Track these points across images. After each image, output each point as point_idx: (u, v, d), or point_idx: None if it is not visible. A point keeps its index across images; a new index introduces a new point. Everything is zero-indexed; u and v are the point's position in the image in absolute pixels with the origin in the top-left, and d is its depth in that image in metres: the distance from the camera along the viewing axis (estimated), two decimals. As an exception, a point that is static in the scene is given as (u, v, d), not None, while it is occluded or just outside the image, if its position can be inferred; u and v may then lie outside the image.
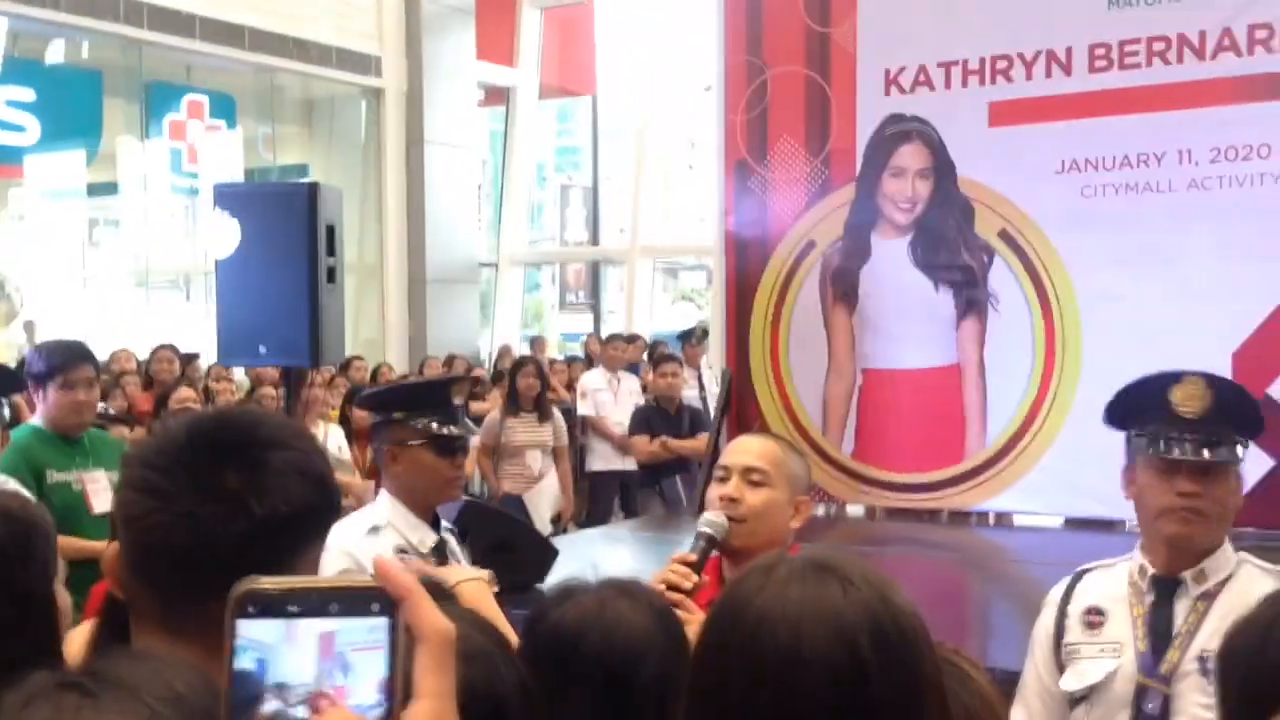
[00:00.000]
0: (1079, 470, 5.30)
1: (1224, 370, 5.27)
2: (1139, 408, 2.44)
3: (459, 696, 1.23)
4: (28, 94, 10.93)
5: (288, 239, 5.24)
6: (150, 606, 1.27)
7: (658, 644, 1.55)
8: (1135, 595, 2.38)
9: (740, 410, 6.44)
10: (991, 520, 6.10)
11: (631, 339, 10.27)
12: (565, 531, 7.22)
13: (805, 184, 6.37)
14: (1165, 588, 2.36)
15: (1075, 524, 5.50)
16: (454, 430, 2.94)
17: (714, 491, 2.42)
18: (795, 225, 6.37)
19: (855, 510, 6.32)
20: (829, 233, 6.29)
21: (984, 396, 5.93)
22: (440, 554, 2.90)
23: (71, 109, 11.35)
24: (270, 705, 0.70)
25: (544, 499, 7.52)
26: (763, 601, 1.18)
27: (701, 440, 7.37)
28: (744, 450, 2.46)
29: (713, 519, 2.35)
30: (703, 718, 1.19)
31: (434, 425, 2.87)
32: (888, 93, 6.17)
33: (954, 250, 6.00)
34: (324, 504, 1.28)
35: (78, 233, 12.60)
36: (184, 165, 12.19)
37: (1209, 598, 2.33)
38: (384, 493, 2.93)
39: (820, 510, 6.22)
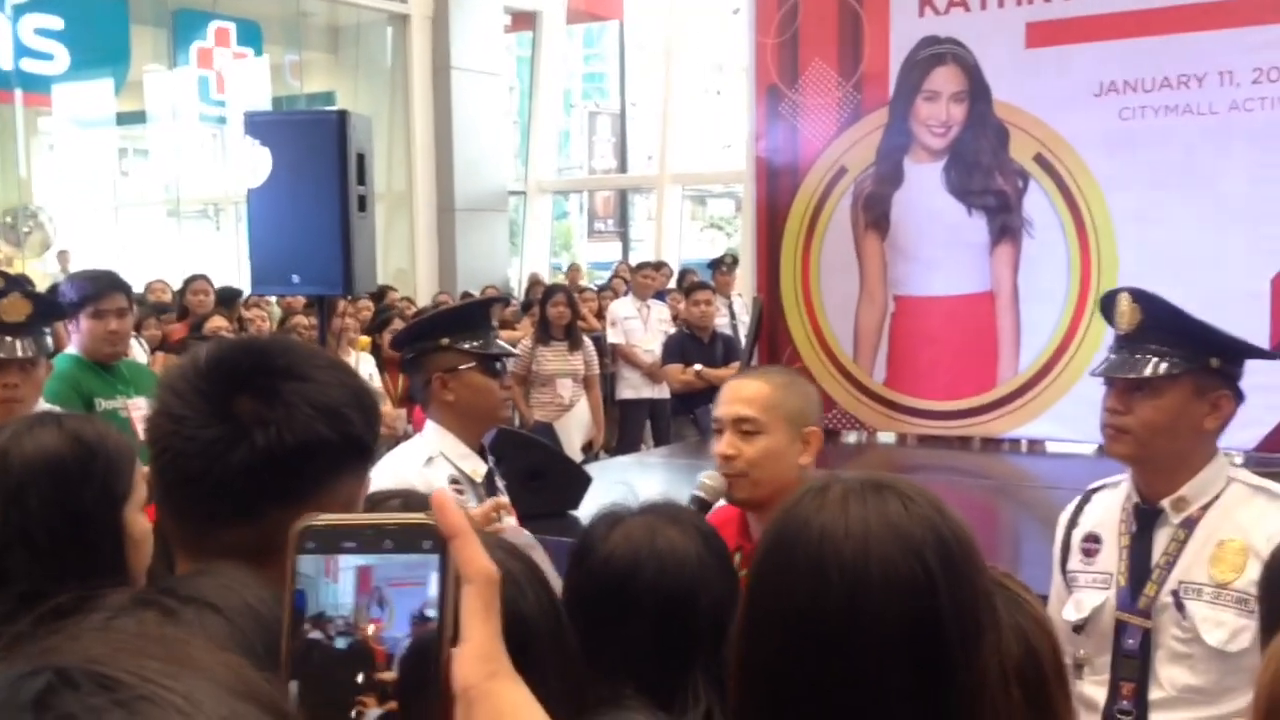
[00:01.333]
0: (1113, 397, 5.28)
1: (1263, 295, 5.22)
2: (1111, 323, 2.42)
3: None
4: (55, 22, 10.91)
5: (318, 167, 5.22)
6: (176, 533, 1.28)
7: (711, 570, 1.56)
8: (1124, 524, 2.34)
9: (772, 338, 6.44)
10: (1024, 447, 6.09)
11: (659, 266, 10.25)
12: (597, 459, 7.27)
13: (837, 109, 6.28)
14: (1146, 518, 2.30)
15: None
16: (500, 349, 2.94)
17: (713, 447, 2.37)
18: (827, 151, 6.30)
19: (887, 438, 6.32)
20: (861, 158, 6.22)
21: (1017, 323, 5.89)
22: (491, 482, 2.92)
23: (98, 37, 11.33)
24: (312, 634, 0.72)
25: (575, 427, 7.57)
26: (824, 520, 1.18)
27: (734, 369, 7.37)
28: (732, 399, 2.35)
29: (707, 481, 2.30)
30: (765, 639, 1.20)
31: (481, 346, 2.87)
32: (922, 14, 6.06)
33: (988, 175, 5.93)
34: (339, 439, 1.23)
35: (108, 162, 12.64)
36: (212, 93, 12.17)
37: (1190, 525, 2.26)
38: (430, 424, 2.92)
39: (852, 438, 6.23)
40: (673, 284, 10.14)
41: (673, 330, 8.21)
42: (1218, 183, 5.39)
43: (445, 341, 2.86)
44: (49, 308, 3.81)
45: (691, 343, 7.59)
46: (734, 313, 8.79)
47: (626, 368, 8.46)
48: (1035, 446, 6.08)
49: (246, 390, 1.22)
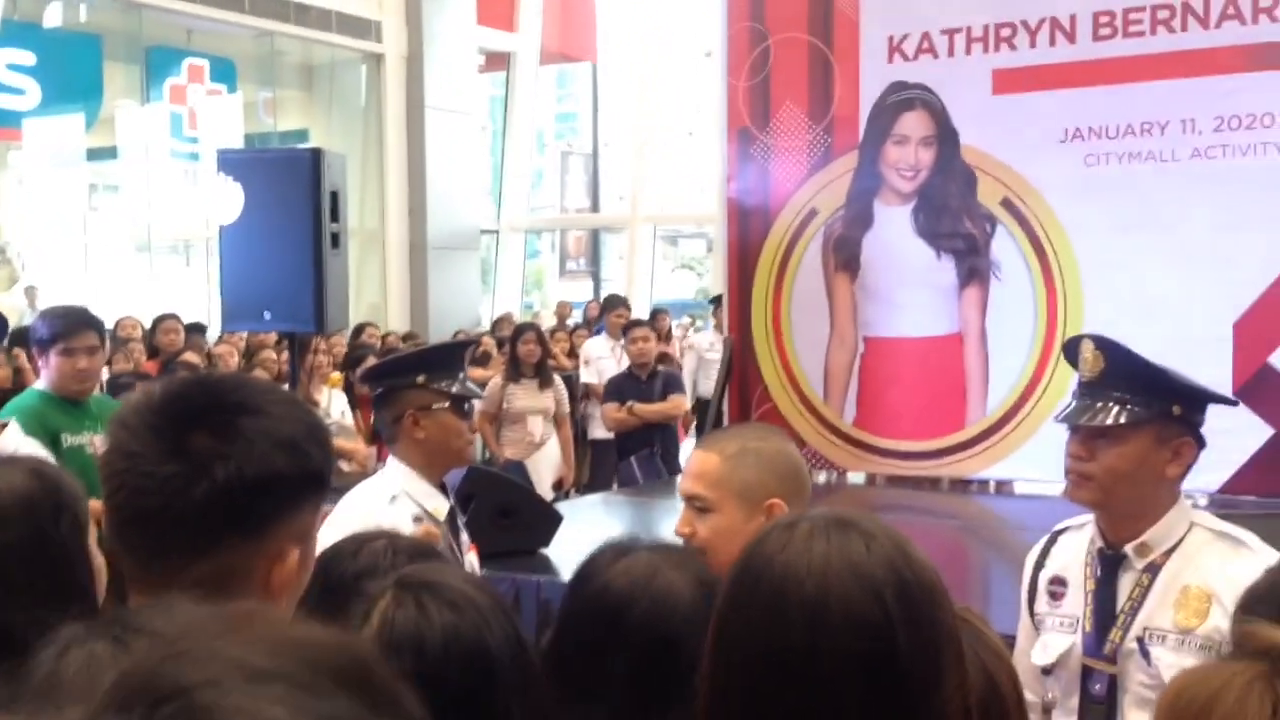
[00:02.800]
0: (1079, 438, 5.33)
1: (1225, 340, 5.30)
2: (1075, 368, 2.42)
3: (443, 641, 1.27)
4: (28, 57, 10.90)
5: (291, 205, 5.24)
6: (130, 568, 1.28)
7: (704, 618, 1.56)
8: (1089, 567, 2.34)
9: (742, 378, 6.47)
10: (992, 488, 6.13)
11: (628, 305, 10.22)
12: (567, 497, 7.26)
13: (808, 151, 6.36)
14: (1110, 563, 2.30)
15: (1075, 491, 5.52)
16: (471, 391, 2.96)
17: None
18: (797, 193, 6.37)
19: (856, 478, 6.35)
20: (831, 201, 6.29)
21: (985, 364, 5.95)
22: (453, 521, 2.92)
23: (71, 73, 11.32)
24: None
25: (546, 465, 7.55)
26: (787, 557, 1.20)
27: (671, 403, 7.42)
28: (686, 473, 2.25)
29: None
30: (730, 674, 1.22)
31: (454, 387, 2.89)
32: (891, 60, 6.15)
33: (956, 218, 6.01)
34: (297, 472, 1.26)
35: (78, 198, 12.58)
36: (185, 130, 12.17)
37: (1154, 570, 2.26)
38: (394, 461, 2.92)
39: (821, 478, 6.26)
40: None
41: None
42: (1181, 229, 5.49)
43: (421, 379, 2.87)
44: None
45: (629, 381, 7.59)
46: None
47: (598, 407, 8.46)
48: (1003, 487, 6.13)
49: (201, 425, 1.23)
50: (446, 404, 2.87)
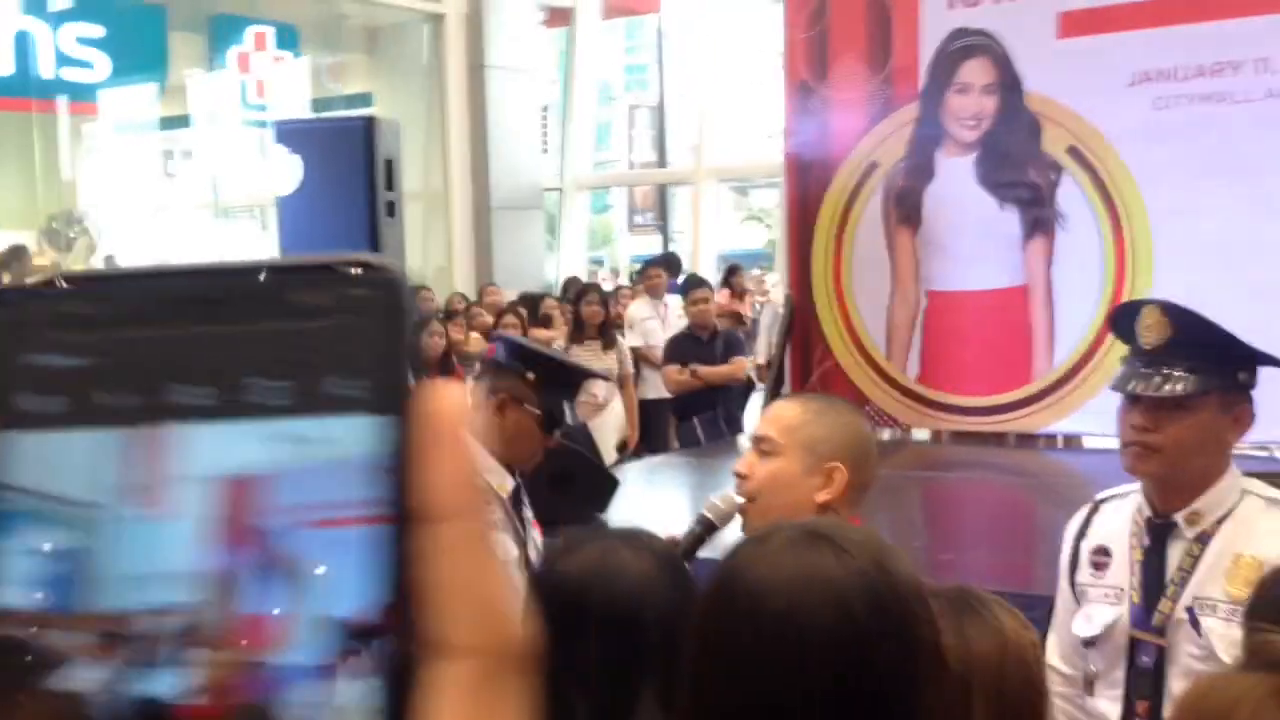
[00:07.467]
0: (1149, 392, 5.20)
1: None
2: (1124, 336, 2.31)
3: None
4: (96, 30, 11.05)
5: (347, 174, 5.27)
6: None
7: (660, 588, 1.58)
8: (1136, 537, 2.27)
9: (804, 335, 6.41)
10: (1060, 443, 6.02)
11: (667, 261, 9.94)
12: (637, 457, 7.26)
13: (867, 103, 6.24)
14: (1159, 532, 2.24)
15: (1145, 446, 5.40)
16: (566, 414, 2.98)
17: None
18: (858, 146, 6.26)
19: (921, 435, 6.28)
20: (892, 153, 6.18)
21: (1052, 317, 5.83)
22: (517, 499, 2.94)
23: (138, 44, 11.46)
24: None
25: (610, 426, 7.56)
26: (757, 572, 1.19)
27: (735, 365, 7.34)
28: (760, 419, 2.29)
29: (719, 504, 2.20)
30: (708, 685, 1.21)
31: (554, 405, 2.91)
32: (951, 6, 6.01)
33: (1020, 168, 5.87)
34: None
35: (152, 166, 12.79)
36: (251, 97, 12.28)
37: (1204, 540, 2.19)
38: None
39: (885, 435, 6.19)
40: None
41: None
42: (1256, 173, 5.30)
43: (531, 377, 2.89)
44: None
45: (690, 342, 7.49)
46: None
47: (647, 368, 8.38)
48: (1071, 442, 6.01)
49: None
50: (537, 412, 2.88)
